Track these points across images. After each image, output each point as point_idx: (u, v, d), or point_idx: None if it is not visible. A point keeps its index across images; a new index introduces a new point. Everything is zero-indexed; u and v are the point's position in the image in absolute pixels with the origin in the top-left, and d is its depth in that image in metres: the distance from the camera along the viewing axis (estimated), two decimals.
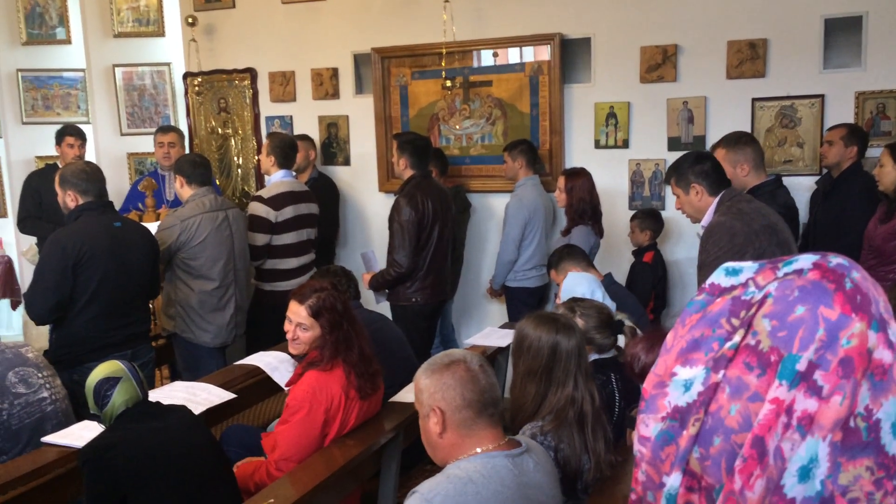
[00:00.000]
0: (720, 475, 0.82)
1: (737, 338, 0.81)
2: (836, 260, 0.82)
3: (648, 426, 0.89)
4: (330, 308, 2.99)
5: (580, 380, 2.50)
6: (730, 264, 0.90)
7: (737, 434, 0.80)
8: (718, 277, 0.89)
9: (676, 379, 0.86)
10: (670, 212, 5.05)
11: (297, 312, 3.03)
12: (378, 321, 3.77)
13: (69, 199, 3.72)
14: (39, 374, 3.10)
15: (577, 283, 3.57)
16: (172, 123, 6.26)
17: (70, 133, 5.40)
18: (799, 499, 0.76)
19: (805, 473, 0.75)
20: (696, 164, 3.30)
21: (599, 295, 3.48)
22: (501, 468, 1.96)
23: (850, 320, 0.77)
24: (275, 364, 3.63)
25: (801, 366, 0.76)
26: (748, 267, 0.87)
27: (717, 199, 3.26)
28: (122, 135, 6.39)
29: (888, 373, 0.77)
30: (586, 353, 2.60)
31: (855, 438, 0.76)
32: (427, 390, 2.06)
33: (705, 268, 3.11)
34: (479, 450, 2.00)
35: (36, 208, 5.40)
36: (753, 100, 4.78)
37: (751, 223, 3.13)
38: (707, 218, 3.29)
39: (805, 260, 0.83)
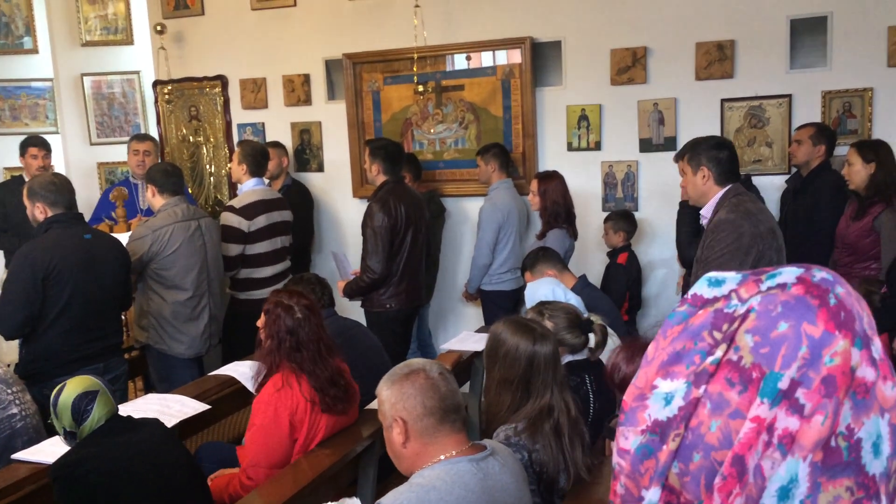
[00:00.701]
0: (699, 492, 0.81)
1: (719, 353, 0.80)
2: (820, 274, 0.81)
3: (628, 439, 0.88)
4: (273, 318, 2.95)
5: (555, 390, 2.49)
6: (713, 275, 0.89)
7: (717, 451, 0.79)
8: (701, 288, 0.88)
9: (657, 392, 0.85)
10: (644, 213, 5.08)
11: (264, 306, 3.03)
12: (352, 328, 3.75)
13: (38, 212, 3.67)
14: (8, 391, 3.04)
15: (537, 288, 3.57)
16: (143, 132, 6.17)
17: (33, 144, 5.29)
18: None
19: (785, 494, 0.75)
20: (713, 148, 3.26)
21: (560, 293, 3.48)
22: (465, 473, 1.98)
23: (834, 338, 0.76)
24: (248, 374, 3.59)
25: (784, 384, 0.75)
26: (731, 278, 0.87)
27: (722, 191, 3.22)
28: (92, 144, 6.30)
29: (870, 391, 0.77)
30: (560, 360, 2.59)
31: (836, 458, 0.75)
32: (388, 401, 2.07)
33: (708, 264, 3.07)
34: (442, 457, 2.01)
35: (2, 221, 5.30)
36: (722, 100, 4.83)
37: (757, 225, 3.11)
38: (709, 208, 3.25)
39: (789, 274, 0.82)
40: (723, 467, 0.77)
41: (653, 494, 0.86)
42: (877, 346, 0.79)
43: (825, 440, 0.74)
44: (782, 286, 0.81)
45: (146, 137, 5.48)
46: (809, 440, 0.74)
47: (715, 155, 3.24)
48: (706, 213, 3.30)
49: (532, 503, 2.20)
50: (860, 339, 0.77)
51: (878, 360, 0.78)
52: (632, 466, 0.88)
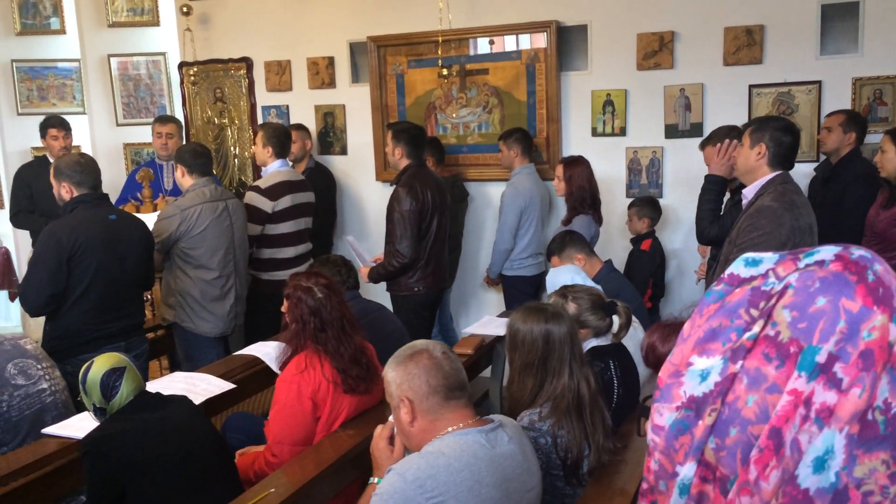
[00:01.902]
0: (735, 466, 0.82)
1: (756, 328, 0.81)
2: (858, 252, 0.81)
3: (663, 415, 0.89)
4: (295, 301, 2.98)
5: (575, 367, 2.51)
6: (750, 255, 0.90)
7: (753, 425, 0.80)
8: (738, 268, 0.88)
9: (693, 369, 0.86)
10: (668, 200, 5.05)
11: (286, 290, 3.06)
12: (375, 311, 3.76)
13: (64, 191, 3.71)
14: (39, 366, 3.09)
15: (558, 274, 3.57)
16: (168, 113, 6.22)
17: (52, 125, 5.33)
18: (812, 489, 0.76)
19: (820, 464, 0.75)
20: (780, 130, 3.20)
21: (580, 281, 3.48)
22: (473, 443, 2.04)
23: (872, 313, 0.76)
24: (273, 354, 3.63)
25: (821, 357, 0.76)
26: (768, 258, 0.87)
27: (771, 175, 3.17)
28: (118, 125, 6.36)
29: None
30: (579, 338, 2.60)
31: (872, 431, 0.75)
32: (394, 382, 2.16)
33: (741, 248, 3.02)
34: (451, 429, 2.09)
35: (27, 202, 5.37)
36: (750, 86, 4.78)
37: (799, 218, 3.06)
38: (753, 188, 3.20)
39: (827, 251, 0.82)
40: (759, 440, 0.78)
41: (688, 469, 0.86)
42: None
43: (862, 413, 0.74)
44: (820, 263, 0.81)
45: (169, 119, 5.52)
46: (846, 412, 0.74)
47: (779, 137, 3.19)
48: (749, 193, 3.25)
49: (540, 477, 2.23)
50: None
51: None
52: (666, 442, 0.89)
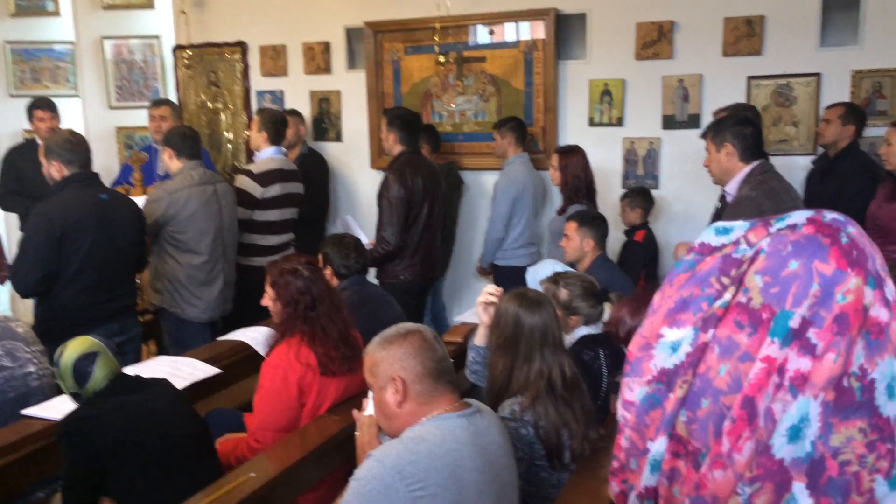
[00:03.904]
0: (707, 439, 0.78)
1: (727, 296, 0.77)
2: (831, 215, 0.78)
3: (633, 390, 0.86)
4: (283, 284, 2.95)
5: (547, 353, 2.48)
6: (720, 223, 0.86)
7: (726, 395, 0.76)
8: (709, 237, 0.85)
9: (663, 341, 0.82)
10: (665, 191, 5.01)
11: (267, 282, 3.03)
12: (379, 297, 3.70)
13: (54, 170, 3.66)
14: (27, 349, 3.05)
15: (538, 269, 3.55)
16: (162, 97, 6.17)
17: (38, 106, 5.29)
18: (788, 459, 0.72)
19: (795, 433, 0.72)
20: (737, 124, 3.21)
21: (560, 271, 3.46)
22: (455, 427, 1.99)
23: (846, 275, 0.73)
24: (259, 339, 3.59)
25: (795, 322, 0.72)
26: (739, 225, 0.83)
27: (748, 169, 3.16)
28: (111, 108, 6.30)
29: (884, 332, 0.73)
30: (558, 327, 2.57)
31: (848, 398, 0.72)
32: (385, 361, 2.07)
33: None
34: (434, 413, 2.03)
35: (16, 184, 5.32)
36: (749, 78, 4.73)
37: (780, 203, 3.05)
38: (733, 185, 3.19)
39: (799, 215, 0.79)
40: (732, 411, 0.74)
41: (659, 444, 0.83)
42: (890, 287, 0.75)
43: (837, 379, 0.71)
44: (792, 227, 0.78)
45: (162, 102, 5.47)
46: (821, 378, 0.70)
47: (739, 131, 3.18)
48: (731, 190, 3.24)
49: (515, 461, 2.21)
50: (873, 278, 0.74)
51: (892, 301, 0.74)
52: (637, 418, 0.86)
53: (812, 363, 0.71)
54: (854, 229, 0.77)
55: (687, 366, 0.79)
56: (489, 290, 2.69)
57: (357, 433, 2.28)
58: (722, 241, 0.84)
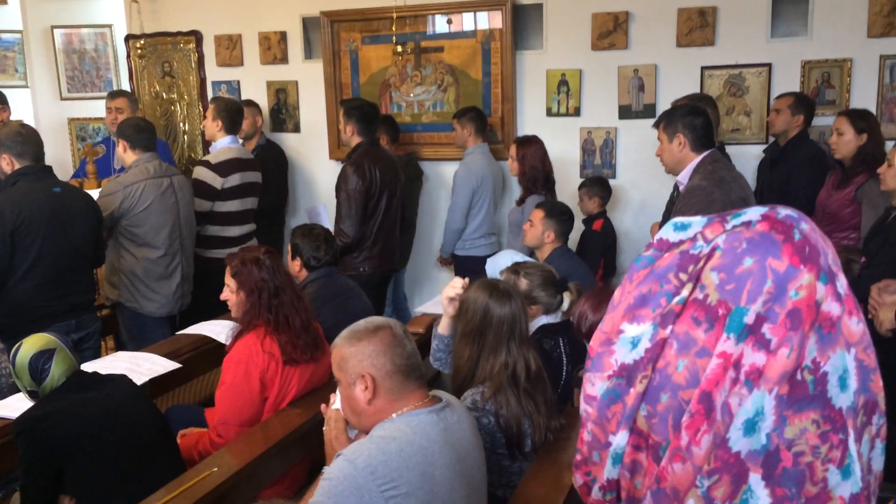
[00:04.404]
0: (667, 432, 0.80)
1: (685, 292, 0.79)
2: (784, 211, 0.80)
3: (595, 385, 0.88)
4: (246, 274, 2.94)
5: (513, 346, 2.49)
6: (678, 219, 0.88)
7: (684, 390, 0.78)
8: (667, 233, 0.87)
9: (623, 336, 0.84)
10: (621, 180, 5.08)
11: (227, 274, 3.01)
12: (348, 290, 3.69)
13: (4, 163, 3.59)
14: None
15: (497, 259, 3.58)
16: (115, 87, 6.05)
17: None
18: (744, 452, 0.75)
19: (750, 426, 0.75)
20: (688, 115, 3.26)
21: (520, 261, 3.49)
22: (426, 423, 1.98)
23: (799, 272, 0.75)
24: (219, 331, 3.57)
25: (749, 318, 0.75)
26: (697, 221, 0.86)
27: (699, 158, 3.21)
28: (63, 99, 6.16)
29: (836, 326, 0.76)
30: (525, 319, 2.59)
31: (801, 391, 0.75)
32: (354, 357, 2.03)
33: None
34: (404, 409, 2.01)
35: None
36: (703, 68, 4.81)
37: (729, 193, 3.11)
38: (685, 174, 3.24)
39: (753, 212, 0.81)
40: (690, 405, 0.77)
41: (620, 438, 0.85)
42: (842, 281, 0.78)
43: (791, 373, 0.74)
44: (747, 224, 0.80)
45: (119, 94, 5.38)
46: (775, 372, 0.73)
47: (690, 121, 3.24)
48: (683, 179, 3.30)
49: (484, 456, 2.21)
50: (825, 273, 0.76)
51: (844, 296, 0.77)
52: (598, 412, 0.88)
53: (766, 358, 0.74)
54: (807, 225, 0.79)
55: (646, 361, 0.81)
56: (455, 284, 2.68)
57: (325, 428, 2.26)
58: (679, 238, 0.86)
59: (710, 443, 0.76)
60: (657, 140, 3.41)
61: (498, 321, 2.50)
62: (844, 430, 0.75)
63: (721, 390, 0.75)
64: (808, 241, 0.77)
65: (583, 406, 0.91)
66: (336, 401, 2.24)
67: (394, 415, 2.00)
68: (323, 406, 2.33)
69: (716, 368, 0.75)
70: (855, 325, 0.77)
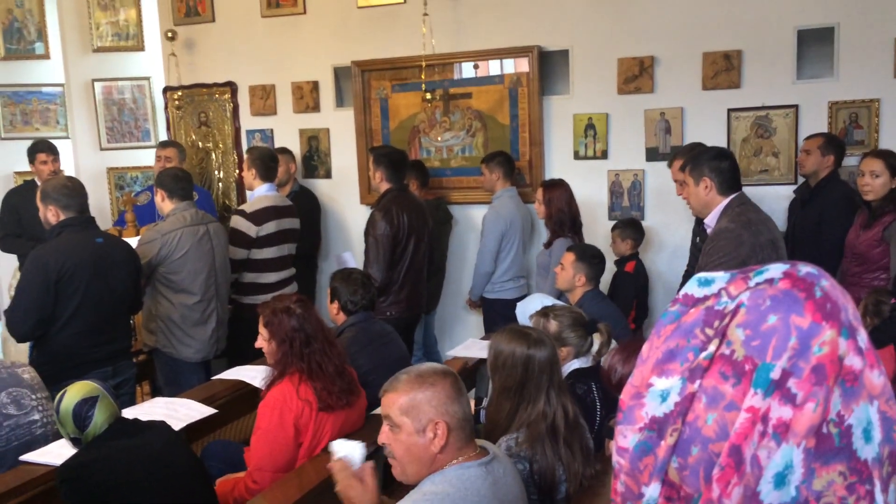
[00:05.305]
0: (698, 484, 0.83)
1: (711, 347, 0.82)
2: (805, 269, 0.83)
3: (626, 437, 0.90)
4: (277, 323, 2.98)
5: (552, 394, 2.48)
6: (703, 275, 0.91)
7: (714, 443, 0.81)
8: (692, 288, 0.90)
9: (653, 389, 0.87)
10: (650, 222, 5.09)
11: (260, 323, 3.05)
12: (385, 336, 3.71)
13: (50, 215, 3.70)
14: (33, 396, 3.05)
15: (527, 304, 3.61)
16: (153, 137, 6.24)
17: (41, 150, 5.33)
18: None
19: (780, 480, 0.77)
20: (715, 158, 3.27)
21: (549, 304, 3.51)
22: (476, 478, 1.93)
23: (821, 328, 0.78)
24: (255, 376, 3.61)
25: (775, 374, 0.77)
26: (720, 277, 0.89)
27: (726, 201, 3.22)
28: (102, 149, 6.35)
29: (858, 379, 0.79)
30: (559, 365, 2.60)
31: (828, 444, 0.77)
32: (428, 402, 1.93)
33: (706, 272, 3.09)
34: (454, 462, 1.96)
35: (15, 226, 5.35)
36: (729, 110, 4.84)
37: (758, 235, 3.12)
38: (713, 217, 3.26)
39: (775, 269, 0.84)
40: (720, 458, 0.79)
41: (653, 490, 0.87)
42: (862, 336, 0.81)
43: (817, 427, 0.76)
44: (770, 281, 0.83)
45: (169, 144, 5.57)
46: (802, 427, 0.76)
47: (717, 165, 3.25)
48: (710, 222, 3.31)
49: None
50: (846, 329, 0.79)
51: (865, 350, 0.80)
52: (631, 464, 0.90)
53: (793, 412, 0.76)
54: (827, 282, 0.82)
55: (676, 414, 0.84)
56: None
57: (336, 487, 2.17)
58: (704, 293, 0.89)
59: (741, 495, 0.78)
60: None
61: (539, 369, 2.48)
62: (871, 481, 0.77)
63: (750, 444, 0.77)
64: (829, 297, 0.80)
65: (615, 458, 0.94)
66: (339, 450, 2.20)
67: (447, 465, 1.94)
68: (329, 465, 2.27)
69: (744, 422, 0.77)
70: (876, 378, 0.80)
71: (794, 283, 0.81)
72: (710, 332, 0.84)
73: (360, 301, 3.59)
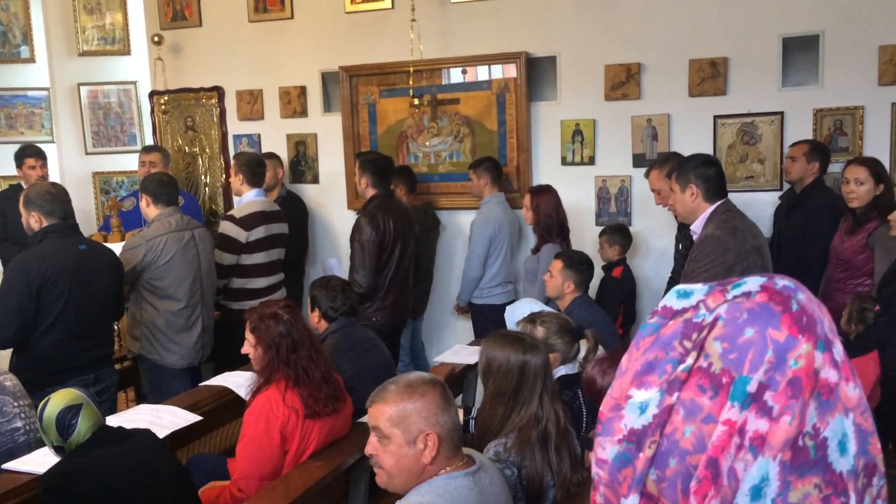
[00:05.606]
0: (676, 496, 0.83)
1: (689, 360, 0.83)
2: (782, 282, 0.84)
3: (605, 449, 0.90)
4: (264, 329, 2.97)
5: (545, 398, 2.50)
6: (681, 287, 0.92)
7: (691, 455, 0.81)
8: (670, 300, 0.90)
9: (632, 401, 0.87)
10: (637, 227, 5.11)
11: (247, 329, 3.04)
12: (368, 342, 3.70)
13: (33, 221, 3.67)
14: (15, 403, 3.02)
15: (516, 308, 3.61)
16: (139, 141, 6.22)
17: (29, 154, 5.30)
18: None
19: (757, 493, 0.77)
20: (701, 165, 3.29)
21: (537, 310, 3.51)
22: (463, 488, 1.93)
23: (797, 342, 0.79)
24: (241, 383, 3.60)
25: (752, 387, 0.78)
26: (699, 289, 0.89)
27: (712, 208, 3.25)
28: (88, 154, 6.31)
29: (834, 392, 0.79)
30: (552, 370, 2.61)
31: (803, 457, 0.77)
32: (418, 413, 1.91)
33: (692, 278, 3.11)
34: (441, 472, 1.95)
35: (1, 230, 5.31)
36: (715, 117, 4.87)
37: (743, 242, 3.14)
38: (699, 224, 3.28)
39: (753, 282, 0.85)
40: (698, 470, 0.79)
41: (632, 502, 0.88)
42: (838, 348, 0.81)
43: (793, 440, 0.76)
44: (747, 294, 0.84)
45: (153, 149, 5.53)
46: (778, 440, 0.76)
47: (703, 172, 3.27)
48: (696, 229, 3.33)
49: None
50: (822, 342, 0.80)
51: (840, 363, 0.80)
52: (610, 476, 0.90)
53: (769, 425, 0.77)
54: (804, 296, 0.83)
55: (655, 426, 0.84)
56: None
57: None
58: (683, 305, 0.90)
59: None
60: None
61: (534, 373, 2.49)
62: (846, 494, 0.78)
63: (727, 456, 0.78)
64: (805, 311, 0.81)
65: (594, 469, 0.94)
66: None
67: (435, 476, 1.93)
68: None
69: (721, 436, 0.78)
70: (852, 391, 0.80)
71: (771, 297, 0.82)
72: (688, 344, 0.84)
73: (340, 307, 3.58)
